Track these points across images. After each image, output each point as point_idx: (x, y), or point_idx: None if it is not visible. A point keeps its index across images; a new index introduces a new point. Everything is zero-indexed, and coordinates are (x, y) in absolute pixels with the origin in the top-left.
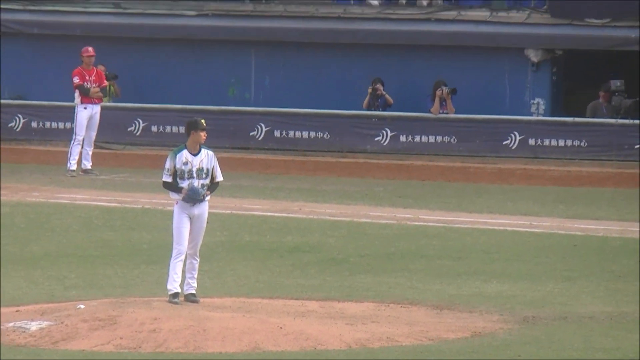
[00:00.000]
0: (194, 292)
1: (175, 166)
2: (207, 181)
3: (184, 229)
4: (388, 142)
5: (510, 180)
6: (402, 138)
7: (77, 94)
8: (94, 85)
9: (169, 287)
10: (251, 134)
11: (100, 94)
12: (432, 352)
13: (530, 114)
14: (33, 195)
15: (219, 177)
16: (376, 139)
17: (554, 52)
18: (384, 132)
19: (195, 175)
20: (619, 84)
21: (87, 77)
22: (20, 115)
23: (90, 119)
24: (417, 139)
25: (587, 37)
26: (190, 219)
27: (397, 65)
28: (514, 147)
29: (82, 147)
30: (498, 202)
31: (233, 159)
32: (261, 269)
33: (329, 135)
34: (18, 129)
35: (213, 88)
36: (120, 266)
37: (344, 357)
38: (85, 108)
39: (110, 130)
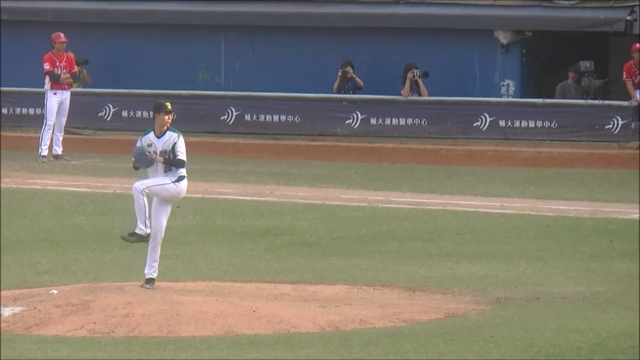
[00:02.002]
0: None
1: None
2: (157, 154)
3: (162, 213)
4: (359, 125)
5: (481, 162)
6: (373, 121)
7: (47, 80)
8: (64, 71)
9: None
10: (222, 118)
11: (71, 80)
12: (405, 334)
13: (501, 96)
14: (4, 182)
15: (180, 156)
16: (347, 122)
17: (524, 33)
18: (355, 115)
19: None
20: (588, 64)
21: (57, 63)
22: None
23: (61, 104)
24: (388, 121)
25: (556, 19)
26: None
27: (367, 48)
28: (484, 129)
29: (52, 133)
30: (469, 183)
31: (204, 143)
32: (233, 252)
33: (299, 119)
34: None
35: (183, 73)
36: (92, 251)
37: (317, 339)
38: (55, 94)
39: (81, 116)
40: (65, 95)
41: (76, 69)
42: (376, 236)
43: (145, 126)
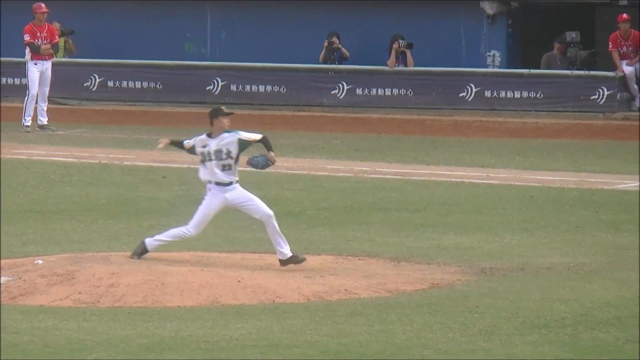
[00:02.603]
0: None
1: (195, 148)
2: (228, 162)
3: (208, 217)
4: (344, 96)
5: (467, 133)
6: (359, 91)
7: (27, 50)
8: (45, 42)
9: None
10: (207, 88)
11: (51, 51)
12: (390, 304)
13: (486, 66)
14: None
15: (256, 136)
16: (333, 92)
17: (510, 4)
18: (341, 85)
19: (213, 157)
20: (574, 35)
21: (38, 34)
22: None
23: (42, 75)
24: (374, 92)
25: None
26: (225, 205)
27: (353, 19)
28: (470, 100)
29: (36, 103)
30: (455, 154)
31: (190, 113)
32: (219, 223)
33: (285, 89)
34: None
35: (169, 43)
36: (78, 221)
37: (302, 309)
38: (35, 64)
39: (67, 86)
40: (46, 65)
41: (57, 39)
42: (362, 207)
43: (131, 96)
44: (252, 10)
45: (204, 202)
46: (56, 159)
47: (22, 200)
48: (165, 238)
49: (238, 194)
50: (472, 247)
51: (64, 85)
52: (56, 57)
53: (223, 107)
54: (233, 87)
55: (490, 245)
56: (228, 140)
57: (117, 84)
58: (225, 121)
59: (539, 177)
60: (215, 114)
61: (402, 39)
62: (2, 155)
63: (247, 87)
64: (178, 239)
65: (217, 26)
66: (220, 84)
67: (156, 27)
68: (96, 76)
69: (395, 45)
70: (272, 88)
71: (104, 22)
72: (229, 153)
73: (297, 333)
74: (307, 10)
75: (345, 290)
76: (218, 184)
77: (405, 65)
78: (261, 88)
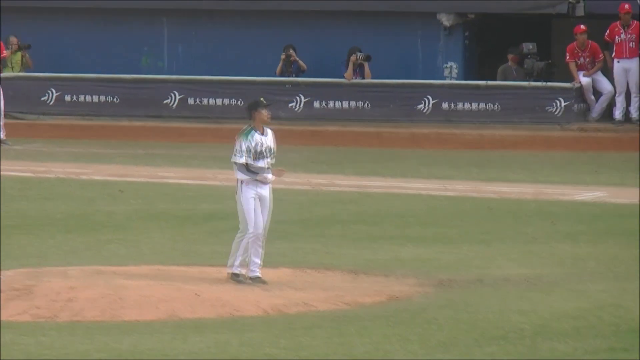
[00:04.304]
0: (259, 274)
1: (249, 149)
2: (273, 160)
3: (256, 210)
4: (302, 109)
5: (424, 145)
6: (316, 104)
7: None
8: None
9: (253, 270)
10: (165, 102)
11: None
12: (349, 317)
13: (444, 78)
14: None
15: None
16: (290, 105)
17: (466, 16)
18: (298, 98)
19: (267, 155)
20: (531, 46)
21: None
22: None
23: None
24: (331, 104)
25: (499, 1)
26: (259, 199)
27: (310, 32)
28: (427, 112)
29: None
30: (412, 166)
31: (147, 127)
32: (177, 236)
33: (242, 102)
34: None
35: (126, 57)
36: (35, 236)
37: (260, 323)
38: None
39: (24, 101)
40: None
41: (5, 53)
42: (319, 220)
43: (88, 110)
44: (209, 23)
45: (244, 201)
46: (13, 173)
47: None
48: (243, 255)
49: (269, 192)
50: (429, 259)
51: (21, 100)
52: (13, 71)
53: (262, 99)
54: (190, 101)
55: (448, 257)
56: (272, 138)
57: (75, 98)
58: (265, 113)
59: (497, 189)
60: (255, 106)
61: (360, 51)
62: None
63: (205, 101)
64: (259, 252)
65: (174, 39)
66: (177, 97)
67: (113, 41)
68: (53, 90)
69: (352, 58)
70: (230, 101)
71: (61, 36)
72: (273, 150)
73: (256, 346)
74: (264, 23)
75: (304, 303)
76: (261, 182)
77: (363, 77)
78: (218, 101)
